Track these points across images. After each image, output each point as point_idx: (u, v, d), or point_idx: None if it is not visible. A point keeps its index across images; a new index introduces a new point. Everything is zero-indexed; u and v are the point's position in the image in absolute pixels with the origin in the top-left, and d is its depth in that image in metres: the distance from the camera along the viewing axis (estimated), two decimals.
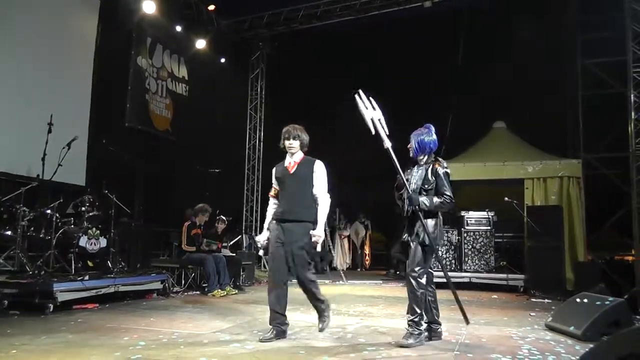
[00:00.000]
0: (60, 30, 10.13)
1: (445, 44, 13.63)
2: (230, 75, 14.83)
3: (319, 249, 5.54)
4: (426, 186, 5.35)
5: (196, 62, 13.94)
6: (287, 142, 5.52)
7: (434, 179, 5.36)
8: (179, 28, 13.22)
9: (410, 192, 5.29)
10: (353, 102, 5.26)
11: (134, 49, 12.17)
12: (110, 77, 11.18)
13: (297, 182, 5.48)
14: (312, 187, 5.48)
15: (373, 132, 5.24)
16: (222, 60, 14.84)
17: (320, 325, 5.45)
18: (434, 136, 5.45)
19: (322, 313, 5.51)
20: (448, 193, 5.37)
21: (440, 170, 5.39)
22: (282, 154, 5.62)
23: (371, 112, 5.28)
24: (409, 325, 5.19)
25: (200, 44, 13.69)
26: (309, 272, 5.48)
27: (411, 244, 5.34)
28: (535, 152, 12.12)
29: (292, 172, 5.52)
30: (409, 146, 5.49)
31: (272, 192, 5.72)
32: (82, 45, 10.68)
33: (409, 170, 5.54)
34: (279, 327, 5.40)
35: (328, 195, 5.52)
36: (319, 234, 5.40)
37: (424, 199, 5.25)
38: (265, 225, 5.68)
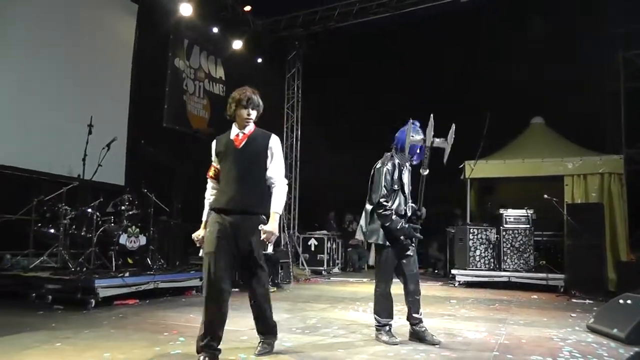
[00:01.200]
0: (100, 34, 10.31)
1: (482, 39, 13.46)
2: (266, 74, 14.87)
3: (270, 249, 4.33)
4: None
5: (233, 62, 14.05)
6: (244, 112, 4.29)
7: None
8: (215, 29, 13.33)
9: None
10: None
11: (172, 51, 12.35)
12: (148, 79, 11.34)
13: (246, 160, 4.26)
14: (264, 169, 4.30)
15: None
16: (259, 60, 14.92)
17: (259, 349, 4.46)
18: None
19: (269, 337, 4.56)
20: None
21: None
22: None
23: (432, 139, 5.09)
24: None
25: (237, 44, 13.78)
26: (266, 281, 4.46)
27: (413, 250, 5.33)
28: (575, 148, 11.87)
29: (240, 146, 4.28)
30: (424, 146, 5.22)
31: (210, 172, 4.43)
32: (121, 49, 10.87)
33: (392, 166, 5.25)
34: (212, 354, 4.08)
35: (286, 181, 4.41)
36: (272, 229, 4.15)
37: None
38: (204, 218, 4.40)
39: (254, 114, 4.32)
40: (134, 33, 11.17)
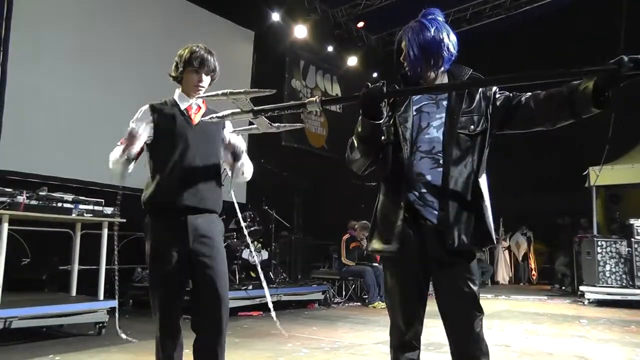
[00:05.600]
0: (220, 62, 10.70)
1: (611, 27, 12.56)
2: (379, 82, 14.89)
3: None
4: (473, 128, 2.39)
5: (348, 79, 14.19)
6: (194, 77, 3.07)
7: (492, 107, 2.43)
8: (330, 48, 13.53)
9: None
10: None
11: (288, 72, 12.67)
12: (266, 100, 11.67)
13: (205, 140, 3.07)
14: (219, 156, 3.15)
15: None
16: (374, 74, 14.95)
17: None
18: (447, 30, 2.52)
19: None
20: None
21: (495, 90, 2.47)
22: None
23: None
24: None
25: (352, 61, 13.90)
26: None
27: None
28: None
29: (197, 122, 3.06)
30: (402, 57, 2.53)
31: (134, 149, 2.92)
32: (240, 74, 11.24)
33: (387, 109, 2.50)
34: None
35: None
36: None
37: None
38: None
39: (207, 80, 3.13)
40: (251, 58, 11.56)
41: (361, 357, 4.87)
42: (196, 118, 3.06)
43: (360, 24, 13.77)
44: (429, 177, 2.36)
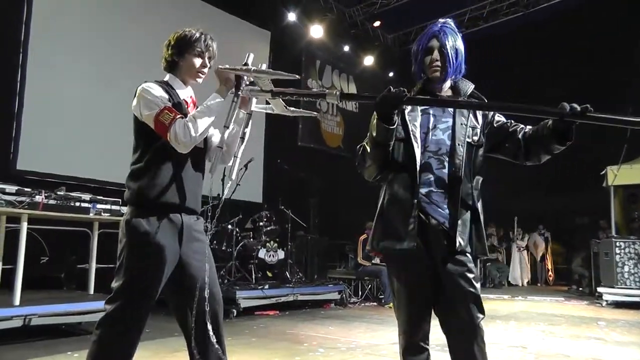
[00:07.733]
0: (236, 62, 10.73)
1: (627, 25, 12.45)
2: (398, 87, 14.87)
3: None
4: (476, 139, 2.50)
5: (364, 78, 14.18)
6: (196, 61, 2.80)
7: (488, 127, 2.56)
8: (346, 47, 13.53)
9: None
10: None
11: (304, 72, 12.67)
12: (287, 101, 11.69)
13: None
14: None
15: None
16: (390, 74, 14.92)
17: None
18: None
19: None
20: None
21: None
22: None
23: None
24: None
25: (368, 60, 13.90)
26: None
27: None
28: None
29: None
30: (433, 58, 2.53)
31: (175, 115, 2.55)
32: None
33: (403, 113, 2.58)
34: None
35: None
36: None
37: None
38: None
39: (207, 69, 2.84)
40: (267, 58, 11.58)
41: (377, 358, 4.85)
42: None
43: (377, 23, 13.78)
44: (435, 177, 2.45)
